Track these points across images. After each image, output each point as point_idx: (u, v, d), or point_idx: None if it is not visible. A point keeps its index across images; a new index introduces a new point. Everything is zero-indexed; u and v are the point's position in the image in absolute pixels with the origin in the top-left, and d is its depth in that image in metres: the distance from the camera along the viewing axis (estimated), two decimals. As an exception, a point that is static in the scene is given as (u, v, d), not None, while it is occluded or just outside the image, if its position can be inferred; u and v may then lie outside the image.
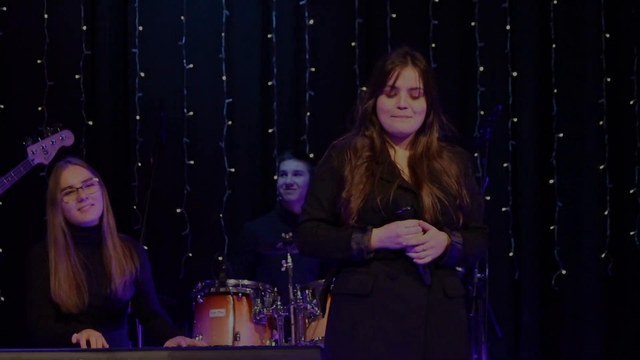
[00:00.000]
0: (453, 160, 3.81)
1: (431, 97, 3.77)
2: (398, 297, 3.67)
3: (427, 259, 3.66)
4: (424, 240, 3.65)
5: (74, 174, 4.84)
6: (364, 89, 3.86)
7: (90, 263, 4.82)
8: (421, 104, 3.76)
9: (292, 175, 6.17)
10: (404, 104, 3.73)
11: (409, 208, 3.65)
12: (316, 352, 4.21)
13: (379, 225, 3.68)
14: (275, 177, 6.48)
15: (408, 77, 3.74)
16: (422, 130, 3.80)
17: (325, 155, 3.81)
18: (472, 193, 3.80)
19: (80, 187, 4.80)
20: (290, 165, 6.20)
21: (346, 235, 3.68)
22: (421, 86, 3.75)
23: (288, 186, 6.16)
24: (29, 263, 4.86)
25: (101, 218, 4.86)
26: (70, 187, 4.81)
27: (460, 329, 3.76)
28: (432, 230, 3.67)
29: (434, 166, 3.77)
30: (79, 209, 4.79)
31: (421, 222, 3.67)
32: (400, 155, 3.80)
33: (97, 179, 4.87)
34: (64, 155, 5.21)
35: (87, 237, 4.84)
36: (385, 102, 3.76)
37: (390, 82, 3.74)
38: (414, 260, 3.66)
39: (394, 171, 3.75)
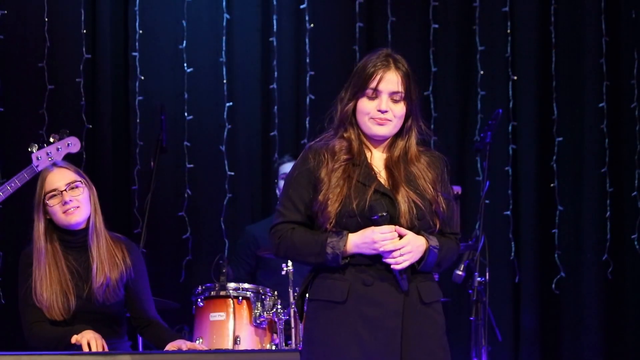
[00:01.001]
0: (430, 165, 3.78)
1: (411, 101, 3.75)
2: (374, 304, 3.63)
3: (405, 264, 3.62)
4: (401, 245, 3.61)
5: (59, 177, 4.81)
6: (343, 91, 3.82)
7: (79, 266, 4.78)
8: (401, 108, 3.73)
9: None
10: (385, 107, 3.71)
11: (384, 214, 3.61)
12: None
13: (355, 229, 3.65)
14: (276, 181, 6.48)
15: (390, 81, 3.72)
16: (400, 134, 3.77)
17: (301, 156, 3.78)
18: (446, 199, 3.76)
19: (65, 190, 4.77)
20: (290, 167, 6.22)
21: (321, 240, 3.64)
22: (402, 90, 3.72)
23: None
24: (19, 268, 4.84)
25: (88, 220, 4.82)
26: (54, 189, 4.78)
27: (437, 334, 3.71)
28: (409, 234, 3.64)
29: (411, 170, 3.74)
30: (63, 212, 4.76)
31: (397, 227, 3.63)
32: (378, 158, 3.77)
33: (82, 181, 4.82)
34: (65, 159, 5.22)
35: (75, 241, 4.81)
36: (365, 105, 3.73)
37: (373, 85, 3.71)
38: (391, 266, 3.63)
39: (371, 174, 3.72)
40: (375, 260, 3.65)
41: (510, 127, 7.03)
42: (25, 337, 4.75)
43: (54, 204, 4.76)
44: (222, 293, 5.40)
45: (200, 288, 5.46)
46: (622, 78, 7.03)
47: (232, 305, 5.38)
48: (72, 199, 4.75)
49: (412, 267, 3.67)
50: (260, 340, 5.36)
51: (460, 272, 5.35)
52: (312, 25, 7.04)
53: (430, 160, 3.80)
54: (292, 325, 5.27)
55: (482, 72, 7.05)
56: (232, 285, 5.42)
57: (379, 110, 3.71)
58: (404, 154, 3.76)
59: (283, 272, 5.34)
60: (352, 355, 3.61)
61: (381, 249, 3.61)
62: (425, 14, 7.11)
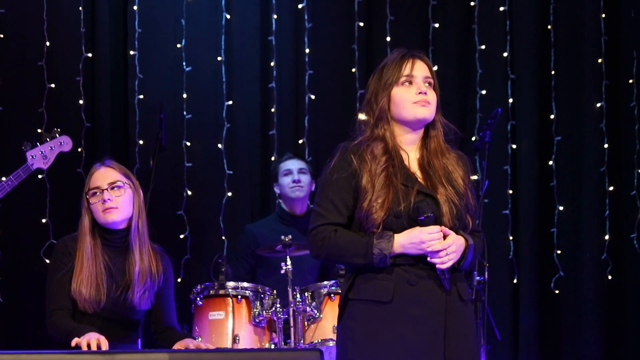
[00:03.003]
0: (458, 161, 3.83)
1: (437, 93, 3.81)
2: (418, 303, 3.67)
3: (449, 264, 3.67)
4: (447, 245, 3.66)
5: (103, 176, 4.85)
6: (368, 96, 3.82)
7: (114, 266, 4.81)
8: (434, 94, 3.78)
9: (298, 172, 6.23)
10: (424, 89, 3.75)
11: (430, 215, 3.66)
12: (316, 355, 4.20)
13: (399, 231, 3.68)
14: (276, 180, 6.47)
15: (421, 67, 3.78)
16: (429, 128, 3.81)
17: (339, 156, 3.76)
18: (473, 195, 3.83)
19: (106, 189, 4.81)
20: (294, 164, 6.27)
21: (367, 241, 3.67)
22: (433, 78, 3.79)
23: (296, 182, 6.20)
24: (55, 254, 4.87)
25: (130, 222, 4.86)
26: (96, 187, 4.83)
27: (473, 331, 3.80)
28: (452, 234, 3.69)
29: (444, 165, 3.79)
30: (102, 210, 4.80)
31: (442, 227, 3.68)
32: (412, 158, 3.80)
33: (127, 182, 4.86)
34: (62, 158, 5.23)
35: (113, 240, 4.84)
36: (403, 93, 3.75)
37: (407, 72, 3.75)
38: (437, 265, 3.67)
39: (411, 176, 3.75)
40: (419, 260, 3.69)
41: (509, 126, 7.03)
42: (45, 321, 4.78)
43: (94, 202, 4.81)
44: (221, 292, 5.40)
45: (199, 287, 5.46)
46: (621, 77, 7.03)
47: (231, 304, 5.39)
48: (112, 198, 4.79)
49: (452, 267, 3.71)
50: (259, 339, 5.37)
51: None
52: (311, 24, 7.04)
53: (457, 156, 3.85)
54: (291, 324, 5.27)
55: (481, 71, 7.05)
56: (231, 284, 5.42)
57: (420, 93, 3.74)
58: (435, 149, 3.80)
59: (282, 271, 5.34)
60: (398, 354, 3.65)
61: (429, 249, 3.65)
62: (425, 13, 7.12)
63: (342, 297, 3.79)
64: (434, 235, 3.65)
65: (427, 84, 3.77)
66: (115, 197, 4.80)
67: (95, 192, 4.82)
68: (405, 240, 3.66)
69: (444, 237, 3.67)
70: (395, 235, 3.67)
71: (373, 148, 3.74)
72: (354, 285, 3.74)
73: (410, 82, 3.76)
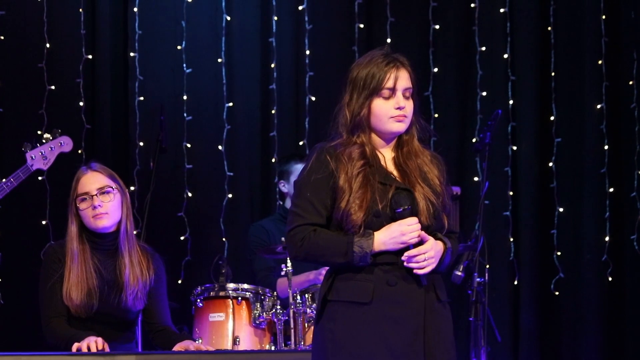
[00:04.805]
0: (433, 160, 3.84)
1: (416, 97, 3.82)
2: (397, 304, 3.67)
3: (427, 269, 3.67)
4: (425, 250, 3.66)
5: (91, 181, 4.84)
6: (346, 95, 3.82)
7: (104, 269, 4.81)
8: (411, 104, 3.79)
9: None
10: (403, 104, 3.76)
11: (407, 207, 3.67)
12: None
13: (378, 229, 3.68)
14: (276, 181, 6.47)
15: (403, 78, 3.77)
16: (406, 130, 3.82)
17: (316, 157, 3.76)
18: (449, 195, 3.84)
19: (95, 195, 4.80)
20: None
21: (348, 239, 3.66)
22: (412, 87, 3.79)
23: None
24: (45, 261, 4.86)
25: (119, 225, 4.84)
26: (85, 193, 4.82)
27: (450, 331, 3.78)
28: (431, 240, 3.69)
29: (419, 165, 3.80)
30: (92, 216, 4.79)
31: (422, 232, 3.68)
32: (388, 158, 3.81)
33: (115, 186, 4.85)
34: (62, 160, 5.22)
35: (103, 244, 4.84)
36: (382, 106, 3.76)
37: (389, 85, 3.74)
38: (414, 271, 3.66)
39: (389, 175, 3.76)
40: (397, 261, 3.69)
41: (509, 128, 7.03)
42: (43, 329, 4.77)
43: (83, 208, 4.80)
44: (222, 293, 5.40)
45: (199, 288, 5.46)
46: (622, 79, 7.03)
47: (231, 306, 5.39)
48: (102, 204, 4.77)
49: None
50: (259, 341, 5.37)
51: (459, 273, 5.33)
52: (311, 26, 7.04)
53: (432, 155, 3.86)
54: (292, 325, 5.27)
55: (481, 73, 7.05)
56: (231, 285, 5.42)
57: (398, 108, 3.75)
58: (411, 149, 3.82)
59: (282, 273, 5.34)
60: (378, 355, 3.64)
61: (409, 240, 3.65)
62: (425, 15, 7.11)
63: (321, 299, 3.77)
64: (413, 226, 3.65)
65: (404, 97, 3.77)
66: (104, 202, 4.79)
67: (85, 198, 4.80)
68: (385, 236, 3.66)
69: (421, 242, 3.67)
70: (375, 232, 3.66)
71: (351, 151, 3.74)
72: (333, 286, 3.73)
73: (391, 96, 3.76)
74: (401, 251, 3.68)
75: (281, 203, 6.39)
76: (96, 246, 4.82)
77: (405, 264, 3.66)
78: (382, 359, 3.64)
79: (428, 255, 3.66)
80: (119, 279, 4.79)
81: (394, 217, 3.68)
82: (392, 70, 3.75)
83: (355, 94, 3.80)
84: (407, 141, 3.82)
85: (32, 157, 5.30)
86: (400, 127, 3.77)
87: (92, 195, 4.79)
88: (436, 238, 3.72)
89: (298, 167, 6.24)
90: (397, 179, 3.75)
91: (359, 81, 3.79)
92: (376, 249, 3.66)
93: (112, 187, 4.83)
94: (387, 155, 3.81)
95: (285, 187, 6.29)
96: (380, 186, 3.71)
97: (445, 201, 3.77)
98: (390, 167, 3.79)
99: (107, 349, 4.52)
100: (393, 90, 3.75)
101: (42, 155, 5.29)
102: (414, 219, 3.66)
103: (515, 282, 6.96)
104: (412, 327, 3.67)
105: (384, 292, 3.67)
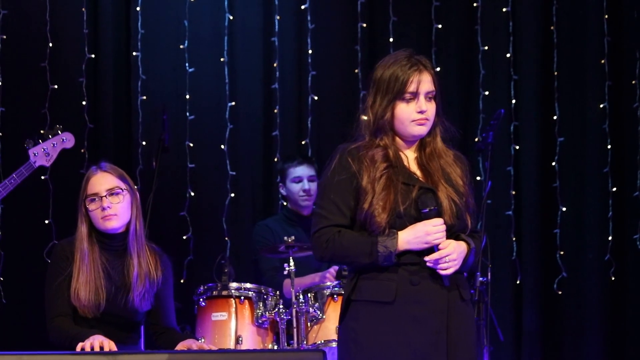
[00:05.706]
0: (456, 160, 3.87)
1: (439, 98, 3.84)
2: (420, 303, 3.70)
3: (450, 271, 3.71)
4: (448, 253, 3.69)
5: (101, 182, 4.81)
6: (370, 97, 3.83)
7: (112, 269, 4.80)
8: (434, 107, 3.83)
9: (308, 181, 6.14)
10: (424, 108, 3.79)
11: (433, 208, 3.70)
12: (319, 356, 4.20)
13: (402, 229, 3.71)
14: (278, 181, 6.47)
15: (426, 82, 3.80)
16: (429, 132, 3.85)
17: (338, 159, 3.80)
18: (472, 194, 3.86)
19: (105, 196, 4.78)
20: (304, 170, 6.17)
21: (372, 239, 3.69)
22: (435, 89, 3.81)
23: (306, 192, 6.12)
24: (53, 259, 4.84)
25: (128, 225, 4.84)
26: (95, 194, 4.78)
27: (473, 332, 3.83)
28: (453, 242, 3.72)
29: (443, 165, 3.83)
30: (101, 217, 4.78)
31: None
32: (411, 160, 3.84)
33: (124, 187, 4.83)
34: (65, 159, 5.22)
35: (112, 244, 4.82)
36: (404, 110, 3.79)
37: (412, 89, 3.77)
38: (438, 271, 3.69)
39: (412, 175, 3.79)
40: (421, 261, 3.71)
41: (512, 127, 7.03)
42: (47, 326, 4.76)
43: (93, 209, 4.78)
44: (224, 293, 5.41)
45: (202, 288, 5.47)
46: (624, 78, 7.03)
47: (234, 305, 5.39)
48: (111, 205, 4.76)
49: None
50: (262, 340, 5.37)
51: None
52: (313, 25, 7.04)
53: (455, 156, 3.89)
54: (294, 325, 5.27)
55: (484, 72, 7.05)
56: (234, 285, 5.42)
57: (420, 112, 3.78)
58: (433, 151, 3.84)
59: (285, 272, 5.34)
60: (401, 354, 3.67)
61: (434, 241, 3.68)
62: (427, 14, 7.11)
63: (345, 299, 3.80)
64: (438, 227, 3.68)
65: (427, 99, 3.79)
66: (114, 204, 4.77)
67: (94, 199, 4.78)
68: (410, 236, 3.69)
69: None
70: (400, 232, 3.69)
71: (373, 154, 3.77)
72: (357, 286, 3.76)
73: (413, 99, 3.78)
74: (425, 251, 3.71)
75: (285, 203, 6.39)
76: (105, 246, 4.81)
77: (427, 264, 3.70)
78: (405, 358, 3.67)
79: (450, 258, 3.69)
80: (127, 279, 4.78)
81: (419, 217, 3.70)
82: (415, 74, 3.78)
83: (378, 96, 3.82)
84: (430, 142, 3.85)
85: (34, 154, 5.29)
86: (422, 130, 3.81)
87: (102, 197, 4.77)
88: (460, 239, 3.74)
89: (292, 172, 6.21)
90: (420, 179, 3.78)
91: (383, 83, 3.81)
92: (400, 249, 3.70)
93: (121, 188, 4.81)
94: (410, 156, 3.84)
95: (284, 191, 6.27)
96: (403, 187, 3.74)
97: (468, 201, 3.81)
98: (414, 168, 3.82)
99: (114, 348, 4.51)
100: (415, 94, 3.77)
101: (44, 152, 5.28)
102: (440, 220, 3.70)
103: (518, 282, 6.96)
104: (434, 327, 3.70)
105: (407, 291, 3.70)
